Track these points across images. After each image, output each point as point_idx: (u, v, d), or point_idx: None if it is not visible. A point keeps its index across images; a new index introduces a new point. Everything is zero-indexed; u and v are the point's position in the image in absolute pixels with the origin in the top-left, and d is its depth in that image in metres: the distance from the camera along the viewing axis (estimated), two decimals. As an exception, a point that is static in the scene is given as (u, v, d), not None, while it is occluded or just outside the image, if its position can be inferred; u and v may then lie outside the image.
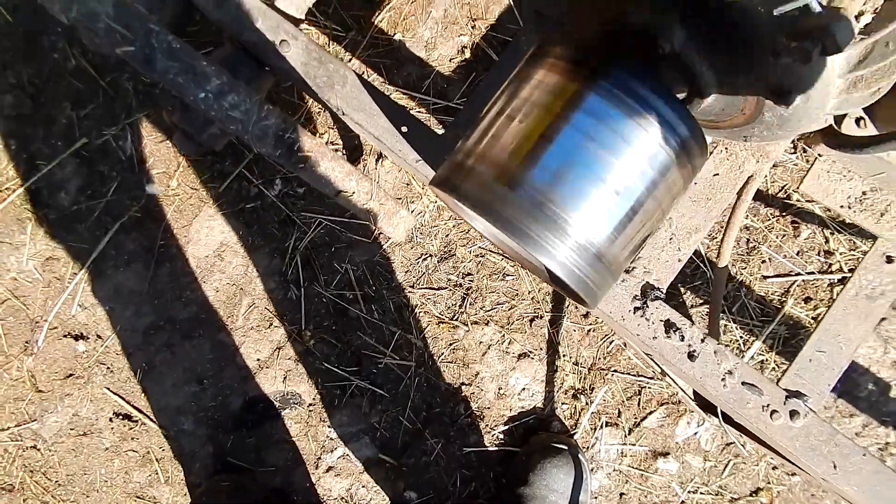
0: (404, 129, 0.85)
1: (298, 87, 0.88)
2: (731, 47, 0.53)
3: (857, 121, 0.68)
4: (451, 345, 1.29)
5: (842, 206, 0.78)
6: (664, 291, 0.84)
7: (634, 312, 0.81)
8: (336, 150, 1.27)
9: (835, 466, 0.78)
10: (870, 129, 0.68)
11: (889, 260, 0.78)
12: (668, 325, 0.82)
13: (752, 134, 0.64)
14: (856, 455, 0.77)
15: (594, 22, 0.61)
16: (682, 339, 0.81)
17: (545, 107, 0.58)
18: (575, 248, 0.56)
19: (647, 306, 0.82)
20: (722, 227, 1.10)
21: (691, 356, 0.80)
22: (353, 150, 1.27)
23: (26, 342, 1.26)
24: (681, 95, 0.63)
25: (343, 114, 0.85)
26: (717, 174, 0.82)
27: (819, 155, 0.79)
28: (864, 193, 0.78)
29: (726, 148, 0.81)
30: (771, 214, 1.26)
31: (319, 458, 1.28)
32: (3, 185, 1.24)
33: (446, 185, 0.60)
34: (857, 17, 0.47)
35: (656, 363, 1.26)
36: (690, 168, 0.58)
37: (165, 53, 0.59)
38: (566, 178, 0.56)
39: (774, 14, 0.45)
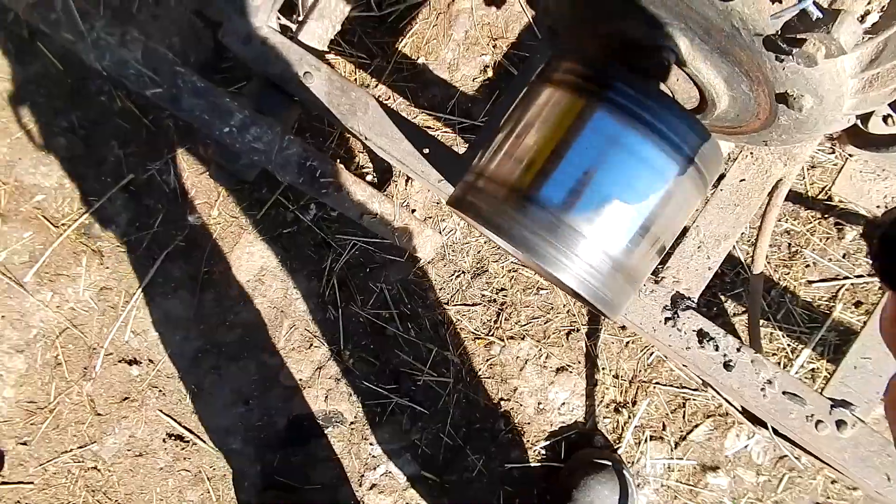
0: (426, 150, 0.87)
1: (323, 116, 0.91)
2: (733, 55, 0.53)
3: (885, 118, 0.66)
4: (488, 361, 1.29)
5: (878, 207, 0.75)
6: (695, 300, 0.82)
7: (665, 323, 0.80)
8: (366, 173, 1.30)
9: (888, 478, 0.75)
10: (899, 127, 0.66)
11: (933, 260, 0.74)
12: (702, 335, 0.81)
13: (772, 138, 0.62)
14: (909, 467, 0.73)
15: (597, 37, 0.61)
16: (717, 349, 0.80)
17: (554, 124, 0.58)
18: (589, 262, 0.56)
19: (679, 316, 0.80)
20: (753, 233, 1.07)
21: (727, 366, 0.78)
22: (384, 171, 1.30)
23: (84, 368, 1.33)
24: (691, 105, 0.62)
25: (367, 139, 0.88)
26: (744, 180, 0.80)
27: (850, 155, 0.76)
28: (901, 192, 0.75)
29: (752, 153, 0.79)
30: (812, 217, 1.22)
31: (363, 475, 1.30)
32: (60, 220, 1.33)
33: (461, 204, 0.62)
34: (863, 17, 0.46)
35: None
36: (705, 177, 0.58)
37: (191, 93, 0.63)
38: (577, 194, 0.56)
39: (771, 20, 0.45)
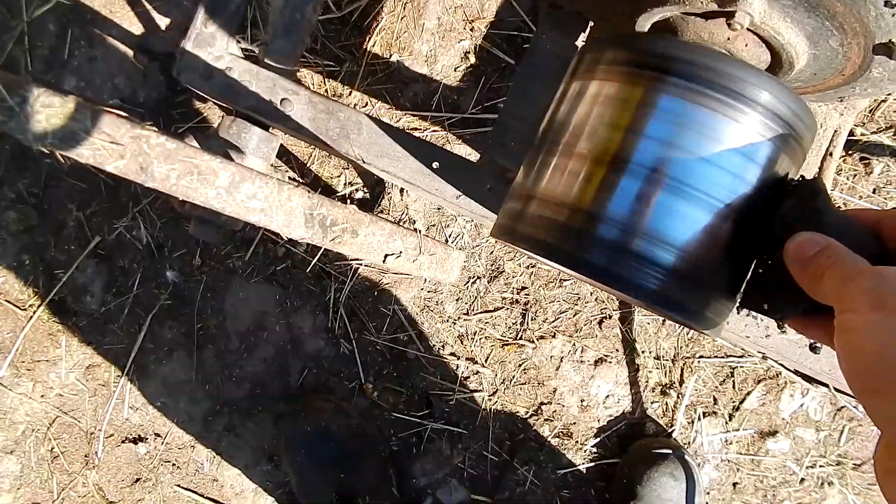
0: (436, 164, 0.77)
1: (311, 143, 0.80)
2: (824, 7, 0.44)
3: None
4: (520, 366, 1.20)
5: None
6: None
7: (738, 312, 0.72)
8: (356, 189, 1.19)
9: None
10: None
11: None
12: (778, 317, 0.72)
13: (853, 93, 0.54)
14: None
15: (636, 11, 0.52)
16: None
17: (610, 123, 0.48)
18: (678, 281, 0.47)
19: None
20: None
21: (814, 349, 0.70)
22: (375, 185, 1.19)
23: (86, 456, 1.21)
24: (763, 68, 0.53)
25: (365, 162, 0.77)
26: (796, 138, 0.72)
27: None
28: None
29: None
30: (836, 155, 1.15)
31: (409, 511, 1.21)
32: (27, 303, 1.19)
33: (512, 235, 0.52)
34: None
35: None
36: (801, 151, 0.49)
37: (162, 158, 0.51)
38: (652, 202, 0.47)
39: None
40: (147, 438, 1.21)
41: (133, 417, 1.21)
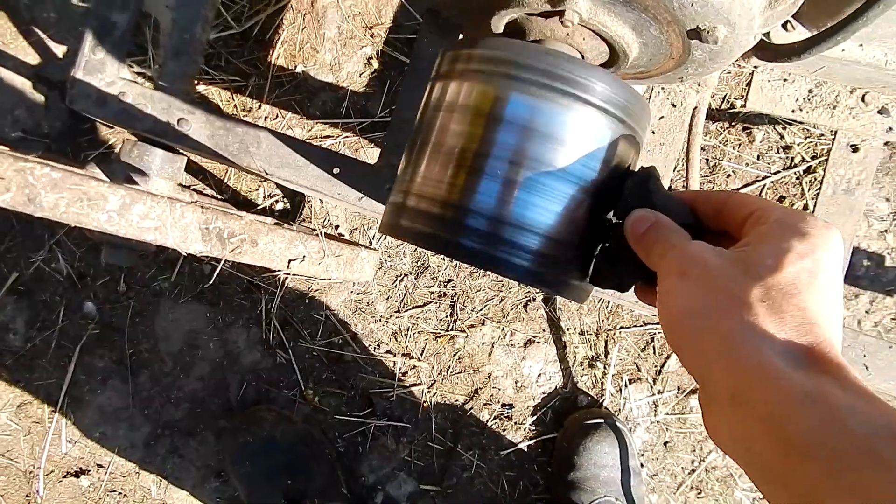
0: (336, 170, 0.80)
1: (213, 160, 0.82)
2: (637, 2, 0.49)
3: (784, 25, 0.65)
4: (454, 356, 1.25)
5: (793, 112, 0.75)
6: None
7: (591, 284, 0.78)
8: (276, 201, 1.21)
9: (867, 368, 0.77)
10: (799, 31, 0.65)
11: (854, 149, 0.76)
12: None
13: (687, 74, 0.60)
14: (883, 350, 0.75)
15: (491, 14, 0.56)
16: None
17: (470, 121, 0.53)
18: (544, 255, 0.52)
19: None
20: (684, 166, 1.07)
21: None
22: (294, 195, 1.21)
23: (27, 496, 1.19)
24: (601, 60, 0.59)
25: (267, 174, 0.80)
26: (663, 116, 0.79)
27: (755, 67, 0.76)
28: (810, 92, 0.75)
29: (663, 89, 0.77)
30: (721, 128, 1.24)
31: (362, 508, 1.24)
32: (-53, 347, 1.16)
33: (395, 231, 0.56)
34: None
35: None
36: (637, 131, 0.54)
37: (49, 187, 0.53)
38: (513, 191, 0.51)
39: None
40: (89, 470, 1.20)
41: (72, 451, 1.20)
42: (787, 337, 0.36)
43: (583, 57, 0.57)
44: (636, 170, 0.53)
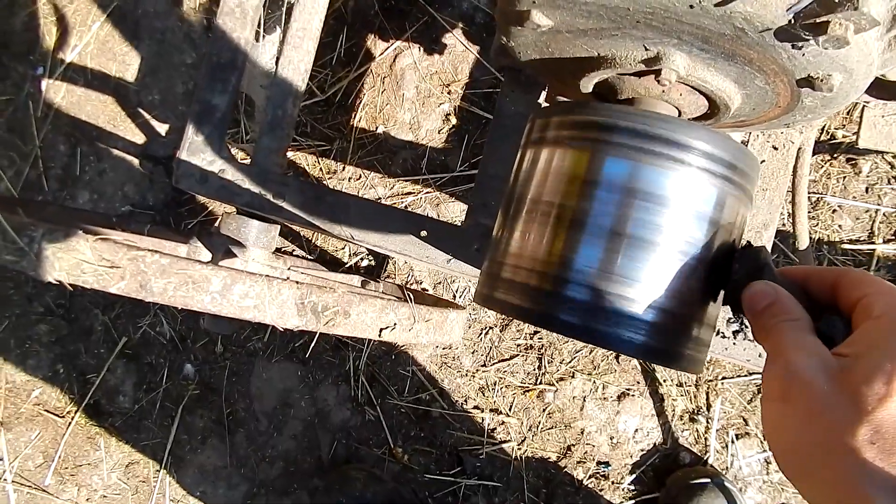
0: (423, 233, 0.81)
1: (306, 228, 0.85)
2: (741, 56, 0.47)
3: (901, 59, 0.60)
4: (544, 410, 1.21)
5: (914, 147, 0.69)
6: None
7: (735, 337, 0.73)
8: (361, 258, 1.23)
9: None
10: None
11: None
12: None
13: (795, 120, 0.56)
14: None
15: (580, 75, 0.55)
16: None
17: (564, 189, 0.51)
18: (653, 326, 0.49)
19: (747, 326, 0.73)
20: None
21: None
22: (378, 252, 1.23)
23: (135, 553, 1.23)
24: (701, 113, 0.56)
25: (356, 240, 0.81)
26: (763, 160, 0.74)
27: (866, 103, 0.70)
28: (933, 125, 0.69)
29: (761, 132, 0.73)
30: (822, 161, 1.16)
31: (455, 571, 1.20)
32: (64, 410, 1.24)
33: (491, 302, 0.55)
34: (880, -22, 0.40)
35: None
36: (746, 188, 0.51)
37: (158, 273, 0.56)
38: (613, 259, 0.49)
39: (785, 12, 0.39)
40: (190, 529, 1.23)
41: (175, 509, 1.24)
42: None
43: (680, 114, 0.55)
44: (744, 242, 0.50)
